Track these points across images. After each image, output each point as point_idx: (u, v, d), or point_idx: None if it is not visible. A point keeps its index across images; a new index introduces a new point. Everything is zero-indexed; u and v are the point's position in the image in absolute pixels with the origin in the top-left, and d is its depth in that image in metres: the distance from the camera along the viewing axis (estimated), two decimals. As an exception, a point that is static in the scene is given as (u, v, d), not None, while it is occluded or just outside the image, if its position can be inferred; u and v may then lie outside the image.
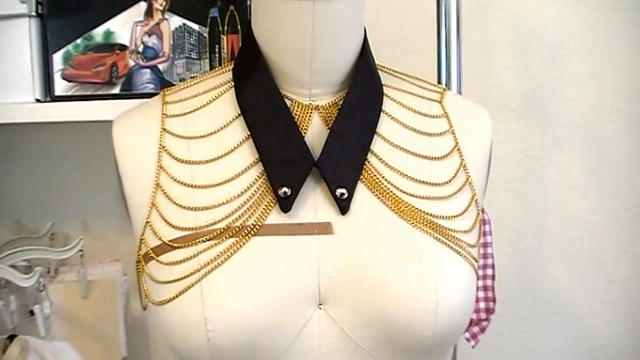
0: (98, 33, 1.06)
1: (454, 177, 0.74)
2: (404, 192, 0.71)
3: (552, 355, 1.32)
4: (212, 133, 0.73)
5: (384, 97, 0.75)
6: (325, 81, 0.73)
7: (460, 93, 1.02)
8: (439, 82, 1.02)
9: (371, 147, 0.72)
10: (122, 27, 1.06)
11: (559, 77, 1.26)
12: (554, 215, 1.29)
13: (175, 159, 0.72)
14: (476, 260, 0.73)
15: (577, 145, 1.27)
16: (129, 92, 1.06)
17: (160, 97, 0.77)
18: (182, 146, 0.73)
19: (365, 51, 0.74)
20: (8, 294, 1.14)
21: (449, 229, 0.70)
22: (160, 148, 0.73)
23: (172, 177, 0.71)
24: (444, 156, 0.74)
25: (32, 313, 1.14)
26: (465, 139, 0.76)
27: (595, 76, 1.25)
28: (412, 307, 0.66)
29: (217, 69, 0.79)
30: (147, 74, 1.06)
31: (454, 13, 0.99)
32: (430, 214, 0.70)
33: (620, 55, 1.24)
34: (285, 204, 0.68)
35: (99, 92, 1.07)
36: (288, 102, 0.72)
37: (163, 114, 0.75)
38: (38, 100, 1.07)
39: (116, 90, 1.07)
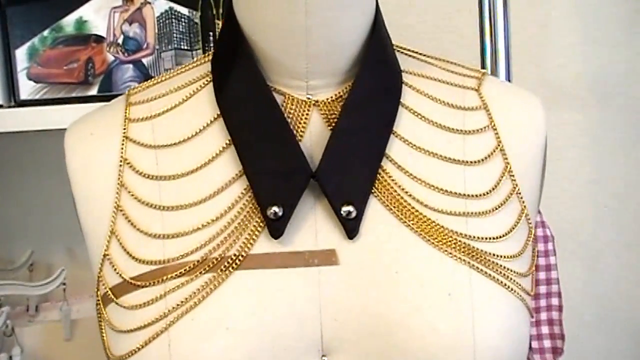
0: (68, 22, 1.01)
1: (495, 186, 0.66)
2: (430, 208, 0.63)
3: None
4: (184, 140, 0.66)
5: (403, 86, 0.68)
6: (326, 69, 0.65)
7: (509, 81, 0.93)
8: (483, 67, 0.94)
9: (386, 150, 0.64)
10: (97, 14, 1.01)
11: (634, 56, 1.16)
12: (637, 225, 1.20)
13: (140, 174, 0.66)
14: (528, 294, 0.65)
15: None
16: (108, 94, 1.01)
17: (124, 97, 0.71)
18: (148, 158, 0.66)
19: (377, 29, 0.67)
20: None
21: (489, 254, 0.62)
22: (121, 161, 0.66)
23: (135, 197, 0.65)
24: (482, 159, 0.66)
25: (2, 361, 1.09)
26: (511, 136, 0.68)
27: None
28: (442, 358, 0.58)
29: (194, 60, 0.72)
30: (129, 70, 1.01)
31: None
32: (465, 235, 0.63)
33: None
34: (276, 228, 0.61)
35: (73, 95, 1.02)
36: (280, 98, 0.65)
37: (126, 118, 0.68)
38: (0, 106, 1.02)
39: (93, 91, 1.02)
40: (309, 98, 0.66)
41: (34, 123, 1.01)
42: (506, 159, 0.67)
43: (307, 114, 0.65)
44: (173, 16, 0.99)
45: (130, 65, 1.01)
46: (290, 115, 0.65)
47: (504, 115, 0.69)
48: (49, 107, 1.01)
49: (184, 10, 0.99)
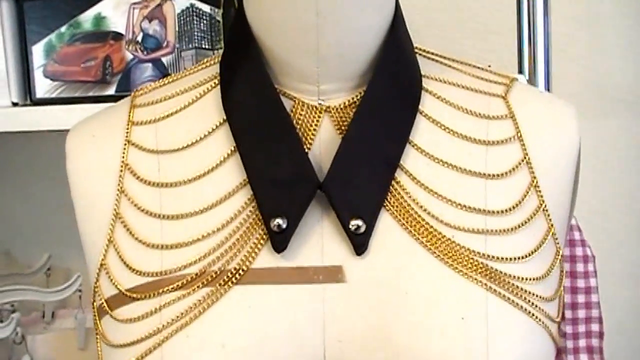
0: (86, 18, 1.01)
1: (519, 201, 0.64)
2: (446, 224, 0.62)
3: None
4: (188, 145, 0.66)
5: (423, 92, 0.67)
6: (338, 73, 0.64)
7: (548, 86, 0.91)
8: (520, 69, 0.92)
9: (401, 161, 0.63)
10: (116, 10, 1.01)
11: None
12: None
13: (141, 180, 0.65)
14: (553, 320, 0.63)
15: None
16: (126, 93, 1.01)
17: (130, 99, 0.71)
18: (150, 163, 0.66)
19: (395, 31, 0.65)
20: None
21: (509, 276, 0.61)
22: (122, 166, 0.66)
23: (135, 205, 0.65)
24: (505, 173, 0.65)
25: (12, 370, 1.11)
26: (539, 148, 0.66)
27: None
28: None
29: (204, 60, 0.72)
30: (148, 69, 1.01)
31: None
32: (483, 255, 0.61)
33: None
34: (279, 241, 0.60)
35: (90, 94, 1.03)
36: (289, 103, 0.65)
37: (129, 121, 0.68)
38: (15, 104, 1.04)
39: (111, 90, 1.02)
40: (320, 104, 0.65)
41: (50, 122, 1.02)
42: (532, 172, 0.65)
43: (317, 121, 0.64)
44: (194, 13, 0.99)
45: (149, 64, 1.01)
46: (300, 122, 0.64)
47: (532, 125, 0.67)
48: (66, 107, 1.02)
49: (206, 8, 0.99)
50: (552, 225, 0.65)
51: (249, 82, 0.65)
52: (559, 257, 0.65)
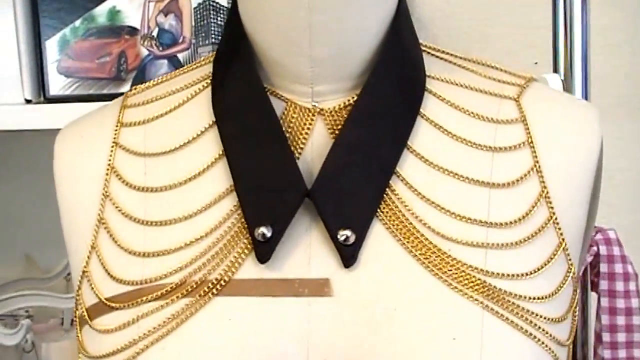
0: (101, 12, 1.03)
1: (527, 213, 0.63)
2: (442, 236, 0.61)
3: None
4: (176, 148, 0.67)
5: (426, 93, 0.66)
6: (333, 74, 0.64)
7: (586, 87, 0.90)
8: (555, 70, 0.90)
9: (397, 167, 0.63)
10: (131, 3, 1.03)
11: None
12: None
13: (126, 184, 0.67)
14: (561, 344, 0.62)
15: None
16: (142, 91, 1.04)
17: (122, 99, 0.72)
18: (136, 166, 0.67)
19: (396, 28, 0.65)
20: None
21: (510, 294, 0.60)
22: (108, 169, 0.68)
23: (119, 210, 0.66)
24: (513, 182, 0.64)
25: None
26: (552, 155, 0.65)
27: None
28: None
29: (202, 58, 0.73)
30: (163, 65, 1.03)
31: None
32: (482, 270, 0.60)
33: None
34: (263, 251, 0.61)
35: (105, 91, 1.05)
36: (281, 105, 0.65)
37: (119, 121, 0.70)
38: (29, 101, 1.06)
39: (125, 88, 1.04)
40: (314, 105, 0.65)
41: (65, 120, 1.04)
42: (543, 181, 0.64)
43: (310, 124, 0.64)
44: (211, 7, 1.00)
45: (165, 61, 1.03)
46: (292, 125, 0.64)
47: (545, 130, 0.66)
48: (80, 104, 1.04)
49: (223, 1, 1.00)
50: (563, 239, 0.64)
51: (238, 83, 0.65)
52: (571, 274, 0.64)
